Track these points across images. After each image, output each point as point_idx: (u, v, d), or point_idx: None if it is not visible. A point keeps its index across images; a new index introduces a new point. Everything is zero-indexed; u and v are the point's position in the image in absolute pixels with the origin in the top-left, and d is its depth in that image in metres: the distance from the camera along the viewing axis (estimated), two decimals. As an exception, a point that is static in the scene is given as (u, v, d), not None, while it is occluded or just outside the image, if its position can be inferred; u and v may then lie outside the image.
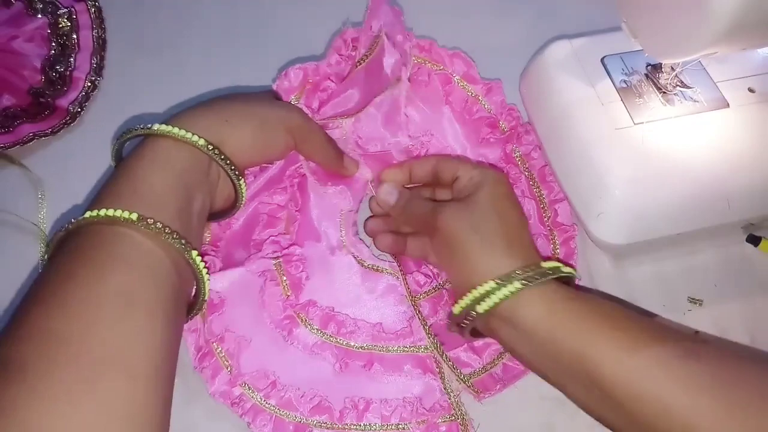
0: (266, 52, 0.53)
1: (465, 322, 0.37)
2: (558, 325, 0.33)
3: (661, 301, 0.44)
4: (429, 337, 0.40)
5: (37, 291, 0.30)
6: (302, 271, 0.42)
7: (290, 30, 0.55)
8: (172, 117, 0.37)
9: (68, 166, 0.48)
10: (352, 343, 0.41)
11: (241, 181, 0.38)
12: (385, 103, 0.44)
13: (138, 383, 0.28)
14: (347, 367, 0.40)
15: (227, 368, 0.39)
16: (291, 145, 0.41)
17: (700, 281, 0.45)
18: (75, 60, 0.50)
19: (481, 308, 0.35)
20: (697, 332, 0.42)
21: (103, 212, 0.31)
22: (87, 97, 0.50)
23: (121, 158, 0.38)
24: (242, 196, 0.39)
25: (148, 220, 0.31)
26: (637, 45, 0.41)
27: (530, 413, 0.40)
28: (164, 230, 0.32)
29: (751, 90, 0.44)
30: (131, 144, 0.37)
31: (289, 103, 0.45)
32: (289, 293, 0.41)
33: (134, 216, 0.31)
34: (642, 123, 0.43)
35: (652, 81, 0.45)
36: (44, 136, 0.47)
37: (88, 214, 0.32)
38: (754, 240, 0.45)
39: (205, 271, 0.35)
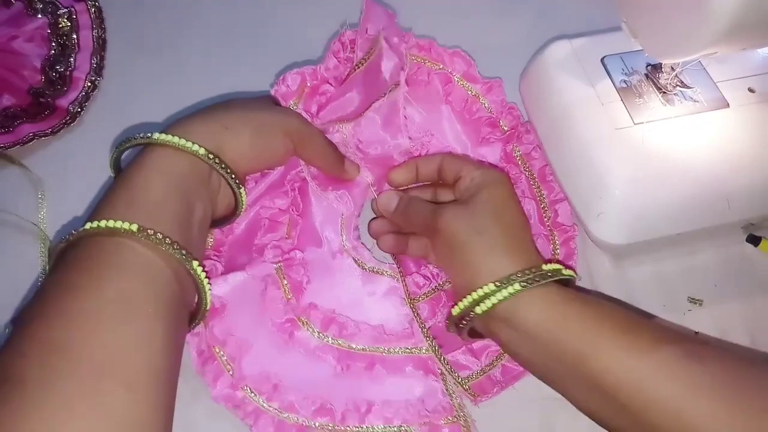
0: (266, 52, 0.53)
1: (463, 323, 0.37)
2: (559, 327, 0.33)
3: (661, 301, 0.44)
4: (427, 339, 0.40)
5: (37, 302, 0.30)
6: (303, 275, 0.42)
7: (290, 30, 0.55)
8: (170, 125, 0.37)
9: (68, 166, 0.48)
10: (354, 345, 0.41)
11: (242, 190, 0.38)
12: (384, 106, 0.44)
13: (138, 392, 0.28)
14: (349, 369, 0.40)
15: (229, 372, 0.39)
16: (291, 150, 0.41)
17: (700, 281, 0.45)
18: (75, 60, 0.51)
19: (479, 309, 0.35)
20: (696, 333, 0.42)
21: (103, 223, 0.31)
22: (87, 97, 0.50)
23: (119, 167, 0.38)
24: (242, 204, 0.39)
25: (148, 230, 0.31)
26: (637, 45, 0.41)
27: (530, 414, 0.40)
28: (164, 241, 0.32)
29: (751, 90, 0.44)
30: (131, 153, 0.37)
31: (288, 108, 0.45)
32: (290, 296, 0.41)
33: (134, 227, 0.31)
34: (642, 123, 0.43)
35: (652, 81, 0.45)
36: (44, 136, 0.47)
37: (88, 225, 0.31)
38: (754, 240, 0.45)
39: (206, 281, 0.34)
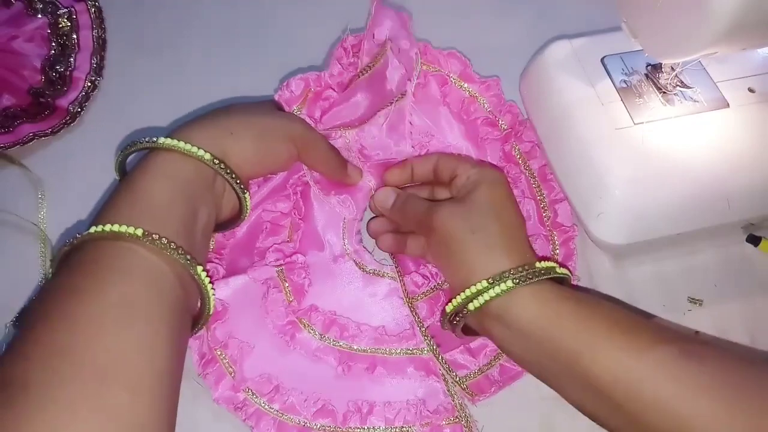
0: (266, 52, 0.53)
1: (456, 320, 0.37)
2: (552, 325, 0.33)
3: (661, 301, 0.44)
4: (425, 339, 0.40)
5: (41, 305, 0.30)
6: (305, 278, 0.42)
7: (290, 30, 0.55)
8: (174, 130, 0.37)
9: (68, 166, 0.48)
10: (355, 347, 0.41)
11: (246, 195, 0.38)
12: (391, 114, 0.44)
13: (141, 396, 0.28)
14: (350, 370, 0.40)
15: (230, 374, 0.39)
16: (294, 156, 0.41)
17: (700, 281, 0.45)
18: (75, 60, 0.51)
19: (472, 306, 0.35)
20: (697, 333, 0.42)
21: (107, 228, 0.31)
22: (87, 97, 0.50)
23: (124, 171, 0.38)
24: (246, 209, 0.39)
25: (153, 235, 0.31)
26: (637, 45, 0.41)
27: (530, 413, 0.40)
28: (169, 246, 0.31)
29: (751, 90, 0.44)
30: (134, 156, 0.37)
31: (291, 113, 0.45)
32: (291, 299, 0.41)
33: (139, 231, 0.31)
34: (642, 123, 0.43)
35: (652, 81, 0.45)
36: (44, 136, 0.47)
37: (93, 229, 0.31)
38: (754, 240, 0.45)
39: (210, 286, 0.34)
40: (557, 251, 0.44)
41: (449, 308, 0.37)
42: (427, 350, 0.41)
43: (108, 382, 0.27)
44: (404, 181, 0.45)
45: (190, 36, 0.55)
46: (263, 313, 0.41)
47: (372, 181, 0.45)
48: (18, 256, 0.44)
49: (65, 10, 0.51)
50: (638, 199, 0.41)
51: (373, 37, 0.45)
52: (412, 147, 0.45)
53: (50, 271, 0.33)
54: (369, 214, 0.46)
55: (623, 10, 0.41)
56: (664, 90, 0.44)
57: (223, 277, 0.40)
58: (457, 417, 0.39)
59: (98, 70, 0.51)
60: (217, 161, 0.35)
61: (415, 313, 0.41)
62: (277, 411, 0.38)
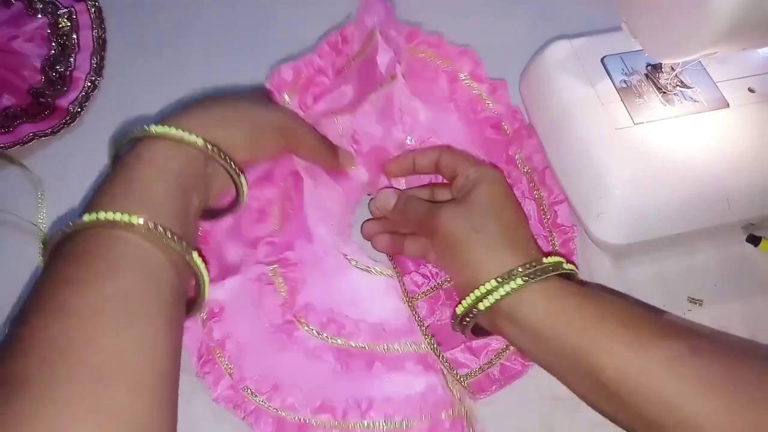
0: (266, 52, 0.53)
1: (466, 321, 0.37)
2: (560, 322, 0.33)
3: (661, 301, 0.43)
4: (426, 338, 0.40)
5: (37, 299, 0.29)
6: (299, 275, 0.42)
7: (290, 30, 0.55)
8: (165, 117, 0.36)
9: (68, 166, 0.48)
10: (353, 344, 0.41)
11: (242, 179, 0.38)
12: (380, 99, 0.43)
13: (142, 395, 0.28)
14: (348, 367, 0.40)
15: (229, 374, 0.39)
16: (283, 147, 0.41)
17: (700, 281, 0.45)
18: (75, 60, 0.51)
19: (482, 306, 0.35)
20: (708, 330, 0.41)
21: (102, 215, 0.30)
22: (87, 97, 0.50)
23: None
24: (243, 194, 0.39)
25: (149, 223, 0.31)
26: (637, 45, 0.41)
27: (530, 413, 0.40)
28: (165, 234, 0.31)
29: (751, 90, 0.44)
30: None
31: (280, 105, 0.44)
32: (286, 297, 0.41)
33: (135, 220, 0.30)
34: (642, 123, 0.43)
35: (652, 81, 0.45)
36: (44, 136, 0.47)
37: (86, 217, 0.31)
38: (754, 240, 0.45)
39: (206, 272, 0.34)
40: (557, 251, 0.44)
41: (459, 310, 0.37)
42: (427, 347, 0.41)
43: (107, 382, 0.27)
44: (405, 172, 0.44)
45: (190, 36, 0.55)
46: (259, 312, 0.41)
47: (365, 176, 0.45)
48: (18, 256, 0.44)
49: (65, 10, 0.51)
50: (638, 199, 0.41)
51: (363, 25, 0.45)
52: (405, 134, 0.45)
53: (42, 260, 0.33)
54: (362, 210, 0.46)
55: (623, 10, 0.41)
56: (664, 90, 0.44)
57: (218, 275, 0.40)
58: (456, 410, 0.39)
59: (98, 70, 0.51)
60: (210, 146, 0.35)
61: (416, 313, 0.41)
62: (276, 409, 0.38)
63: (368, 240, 0.44)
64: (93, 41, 0.51)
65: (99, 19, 0.52)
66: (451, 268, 0.39)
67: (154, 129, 0.35)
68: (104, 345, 0.28)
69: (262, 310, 0.41)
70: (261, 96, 0.44)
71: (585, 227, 0.43)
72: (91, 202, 0.32)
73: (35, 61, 0.50)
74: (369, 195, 0.46)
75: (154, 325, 0.30)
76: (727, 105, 0.44)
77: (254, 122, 0.39)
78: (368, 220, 0.45)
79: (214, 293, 0.39)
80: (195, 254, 0.33)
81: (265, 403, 0.38)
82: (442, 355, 0.40)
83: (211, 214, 0.40)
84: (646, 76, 0.45)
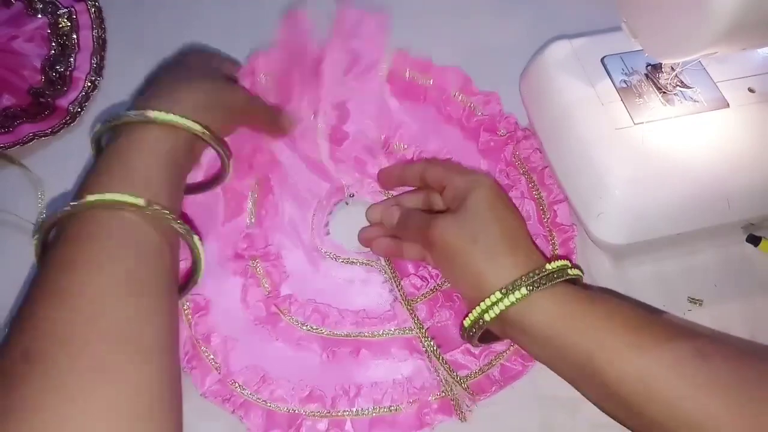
0: (266, 52, 0.53)
1: (473, 331, 0.37)
2: (568, 328, 0.33)
3: (661, 301, 0.43)
4: (426, 341, 0.41)
5: (46, 280, 0.30)
6: (281, 268, 0.43)
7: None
8: (149, 100, 0.37)
9: (68, 166, 0.48)
10: (338, 332, 0.41)
11: (230, 160, 0.40)
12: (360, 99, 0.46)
13: (152, 365, 0.29)
14: (335, 355, 0.41)
15: (216, 368, 0.39)
16: (237, 124, 0.42)
17: (700, 281, 0.45)
18: (75, 60, 0.51)
19: (487, 317, 0.35)
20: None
21: (108, 196, 0.31)
22: (87, 97, 0.50)
23: (99, 145, 0.38)
24: (228, 168, 0.40)
25: (154, 205, 0.32)
26: (637, 45, 0.41)
27: (530, 413, 0.40)
28: (168, 215, 0.32)
29: (751, 90, 0.44)
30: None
31: (232, 83, 0.44)
32: (269, 290, 0.42)
33: (140, 201, 0.31)
34: (642, 123, 0.43)
35: (652, 81, 0.45)
36: (44, 136, 0.47)
37: (90, 198, 0.31)
38: (754, 240, 0.45)
39: (203, 253, 0.36)
40: (557, 251, 0.44)
41: (467, 323, 0.37)
42: (411, 331, 0.41)
43: (122, 353, 0.28)
44: (395, 183, 0.45)
45: (190, 36, 0.55)
46: (243, 306, 0.42)
47: (346, 178, 0.46)
48: (18, 256, 0.44)
49: (65, 10, 0.51)
50: (638, 199, 0.41)
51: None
52: (382, 133, 0.47)
53: (36, 237, 0.33)
54: (339, 210, 0.47)
55: (623, 10, 0.41)
56: (664, 90, 0.44)
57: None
58: (443, 391, 0.39)
59: (98, 70, 0.51)
60: (206, 132, 0.36)
61: (415, 316, 0.41)
62: (266, 401, 0.39)
63: (367, 246, 0.44)
64: (93, 41, 0.51)
65: (99, 19, 0.52)
66: (454, 279, 0.39)
67: (155, 115, 0.35)
68: (117, 320, 0.29)
69: (246, 303, 0.42)
70: (214, 70, 0.44)
71: (585, 227, 0.43)
72: (87, 184, 0.33)
73: (35, 61, 0.50)
74: (351, 196, 0.47)
75: (157, 304, 0.31)
76: (727, 105, 0.44)
77: (226, 105, 0.40)
78: (365, 227, 0.45)
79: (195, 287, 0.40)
80: (196, 238, 0.34)
81: (253, 396, 0.39)
82: (442, 357, 0.40)
83: (195, 188, 0.41)
84: (646, 76, 0.45)
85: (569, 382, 0.35)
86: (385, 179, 0.46)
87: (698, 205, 0.41)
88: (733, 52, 0.41)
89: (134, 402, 0.27)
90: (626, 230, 0.41)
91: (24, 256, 0.44)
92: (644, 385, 0.31)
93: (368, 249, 0.44)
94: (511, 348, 0.41)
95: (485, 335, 0.38)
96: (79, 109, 0.49)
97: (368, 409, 0.39)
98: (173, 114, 0.35)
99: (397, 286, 0.42)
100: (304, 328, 0.41)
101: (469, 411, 0.39)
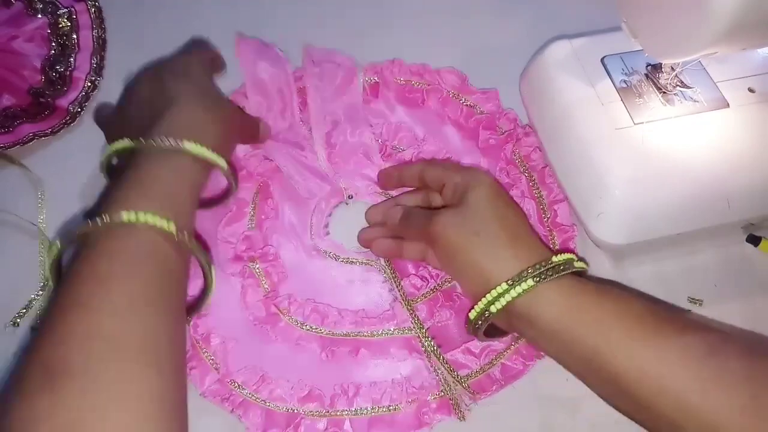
0: (266, 52, 0.53)
1: (479, 323, 0.37)
2: (576, 322, 0.33)
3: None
4: (426, 341, 0.41)
5: (73, 292, 0.31)
6: (280, 269, 0.43)
7: (290, 30, 0.55)
8: (165, 126, 0.37)
9: (68, 166, 0.48)
10: (337, 332, 0.41)
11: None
12: (346, 111, 0.47)
13: (166, 376, 0.30)
14: (334, 355, 0.41)
15: (215, 368, 0.39)
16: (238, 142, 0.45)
17: (700, 281, 0.45)
18: (75, 60, 0.51)
19: (494, 309, 0.35)
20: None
21: (142, 218, 0.32)
22: (87, 97, 0.50)
23: (111, 167, 0.40)
24: (235, 188, 0.42)
25: (183, 233, 0.33)
26: (637, 45, 0.41)
27: (530, 413, 0.40)
28: (193, 245, 0.34)
29: (751, 90, 0.44)
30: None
31: (225, 101, 0.45)
32: (268, 290, 0.42)
33: (172, 228, 0.33)
34: (642, 123, 0.43)
35: (652, 81, 0.45)
36: (44, 136, 0.47)
37: (125, 216, 0.32)
38: (754, 240, 0.45)
39: (215, 279, 0.37)
40: (558, 250, 0.44)
41: (473, 315, 0.37)
42: (410, 331, 0.41)
43: (141, 364, 0.29)
44: (394, 184, 0.46)
45: (190, 36, 0.55)
46: (242, 306, 0.42)
47: (343, 183, 0.46)
48: (18, 256, 0.44)
49: (65, 10, 0.51)
50: (638, 199, 0.41)
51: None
52: (371, 126, 0.48)
53: (58, 246, 0.34)
54: (339, 209, 0.47)
55: (623, 10, 0.41)
56: (664, 90, 0.44)
57: None
58: (442, 391, 0.39)
59: (98, 70, 0.51)
60: (227, 167, 0.39)
61: (415, 316, 0.41)
62: (264, 400, 0.39)
63: (367, 247, 0.44)
64: (93, 41, 0.51)
65: (99, 19, 0.52)
66: (459, 274, 0.39)
67: (190, 147, 0.36)
68: (139, 331, 0.30)
69: (246, 304, 0.42)
70: (207, 78, 0.44)
71: (585, 227, 0.43)
72: (118, 198, 0.33)
73: (35, 61, 0.50)
74: (350, 197, 0.47)
75: (175, 317, 0.33)
76: (727, 105, 0.44)
77: (234, 128, 0.43)
78: (365, 228, 0.45)
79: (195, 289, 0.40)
80: (213, 268, 0.37)
81: (252, 395, 0.39)
82: (443, 357, 0.40)
83: (201, 204, 0.42)
84: (646, 76, 0.45)
85: (577, 377, 0.35)
86: (384, 180, 0.46)
87: (698, 205, 0.41)
88: (733, 52, 0.41)
89: (146, 407, 0.28)
90: (626, 230, 0.41)
91: (24, 256, 0.44)
92: (651, 379, 0.31)
93: (366, 249, 0.44)
94: (512, 347, 0.41)
95: (491, 330, 0.38)
96: (79, 109, 0.49)
97: (367, 409, 0.39)
98: (206, 149, 0.37)
99: (397, 286, 0.42)
100: (304, 327, 0.41)
101: (468, 410, 0.39)
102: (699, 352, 0.31)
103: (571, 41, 0.47)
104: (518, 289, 0.34)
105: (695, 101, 0.44)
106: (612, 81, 0.45)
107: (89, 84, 0.50)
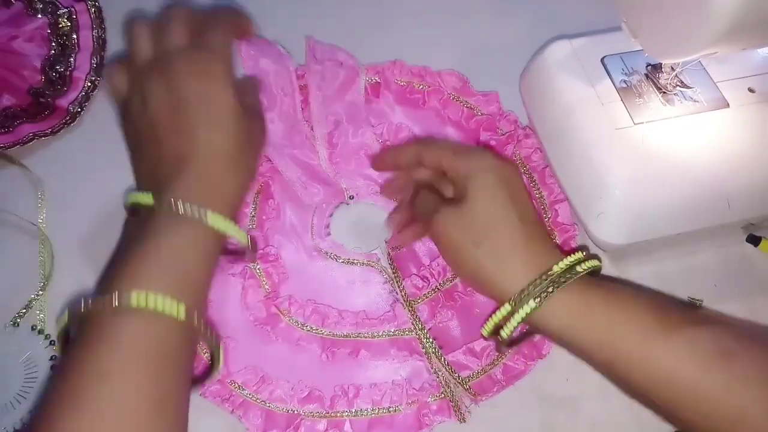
0: (266, 52, 0.53)
1: (493, 341, 0.36)
2: (583, 335, 0.33)
3: (661, 301, 0.43)
4: (427, 342, 0.41)
5: (70, 386, 0.28)
6: (280, 269, 0.43)
7: (290, 30, 0.55)
8: (185, 180, 0.33)
9: (68, 166, 0.48)
10: (337, 333, 0.41)
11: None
12: (348, 110, 0.46)
13: None
14: (334, 356, 0.41)
15: None
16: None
17: (700, 281, 0.45)
18: (75, 60, 0.50)
19: (504, 334, 0.35)
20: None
21: (151, 303, 0.29)
22: (87, 97, 0.50)
23: (135, 210, 0.35)
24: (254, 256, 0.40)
25: (194, 316, 0.30)
26: (637, 45, 0.41)
27: (530, 413, 0.40)
28: (205, 333, 0.31)
29: (751, 90, 0.44)
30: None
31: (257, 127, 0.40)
32: (269, 291, 0.42)
33: (182, 314, 0.30)
34: (642, 123, 0.43)
35: (652, 81, 0.45)
36: (44, 136, 0.47)
37: (134, 300, 0.29)
38: (754, 240, 0.45)
39: (222, 357, 0.35)
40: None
41: (485, 332, 0.36)
42: (411, 332, 0.41)
43: None
44: (388, 167, 0.44)
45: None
46: (243, 306, 0.42)
47: (344, 183, 0.46)
48: (18, 256, 0.44)
49: (65, 10, 0.51)
50: (638, 199, 0.41)
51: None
52: (372, 127, 0.47)
53: (65, 320, 0.31)
54: (340, 210, 0.47)
55: (623, 10, 0.41)
56: (664, 90, 0.44)
57: None
58: (442, 393, 0.39)
59: (98, 70, 0.51)
60: (250, 241, 0.36)
61: (416, 317, 0.41)
62: (264, 401, 0.39)
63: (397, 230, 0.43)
64: (93, 41, 0.51)
65: (99, 19, 0.52)
66: (459, 273, 0.39)
67: (213, 222, 0.33)
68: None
69: (246, 304, 0.42)
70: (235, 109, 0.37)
71: (585, 227, 0.43)
72: (129, 273, 0.31)
73: (35, 61, 0.50)
74: (351, 198, 0.47)
75: (176, 411, 0.30)
76: (727, 105, 0.44)
77: (254, 165, 0.39)
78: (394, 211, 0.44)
79: None
80: (221, 350, 0.34)
81: (253, 396, 0.39)
82: (444, 358, 0.40)
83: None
84: (646, 76, 0.45)
85: (603, 375, 0.35)
86: (377, 163, 0.44)
87: (698, 205, 0.41)
88: (733, 52, 0.41)
89: None
90: (626, 230, 0.41)
91: (24, 256, 0.44)
92: (673, 385, 0.31)
93: (368, 250, 0.44)
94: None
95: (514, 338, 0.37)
96: (79, 109, 0.49)
97: (367, 410, 0.39)
98: (230, 223, 0.33)
99: (398, 287, 0.42)
100: (304, 328, 0.41)
101: (468, 412, 0.39)
102: (716, 355, 0.31)
103: (571, 41, 0.47)
104: (521, 313, 0.33)
105: (695, 101, 0.44)
106: (612, 81, 0.45)
107: (89, 84, 0.50)
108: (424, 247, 0.45)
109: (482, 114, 0.49)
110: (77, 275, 0.43)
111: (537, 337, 0.41)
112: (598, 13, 0.50)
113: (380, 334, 0.41)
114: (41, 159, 0.48)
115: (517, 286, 0.34)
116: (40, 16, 0.51)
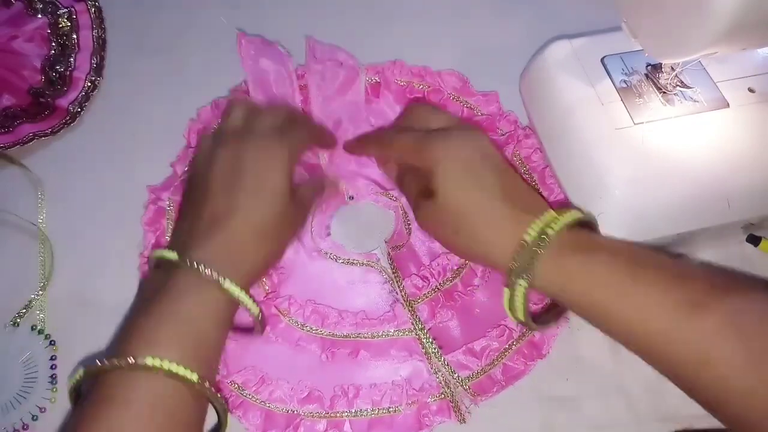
0: (266, 52, 0.53)
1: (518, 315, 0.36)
2: (581, 302, 0.33)
3: (661, 301, 0.43)
4: (427, 342, 0.41)
5: None
6: (279, 270, 0.43)
7: (291, 30, 0.55)
8: (213, 240, 0.33)
9: (68, 166, 0.48)
10: (337, 333, 0.41)
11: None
12: (348, 110, 0.46)
13: None
14: (334, 356, 0.41)
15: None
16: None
17: (700, 281, 0.45)
18: (75, 60, 0.51)
19: (519, 316, 0.35)
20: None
21: (166, 365, 0.29)
22: (87, 97, 0.50)
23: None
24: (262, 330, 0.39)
25: (205, 383, 0.31)
26: (637, 45, 0.41)
27: (530, 413, 0.40)
28: (214, 396, 0.31)
29: (751, 90, 0.44)
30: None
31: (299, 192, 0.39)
32: (269, 291, 0.42)
33: (194, 377, 0.30)
34: (642, 123, 0.43)
35: (652, 81, 0.45)
36: (44, 136, 0.47)
37: (149, 361, 0.29)
38: (754, 240, 0.45)
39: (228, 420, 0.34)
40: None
41: (513, 318, 0.36)
42: (411, 333, 0.41)
43: None
44: (364, 152, 0.44)
45: (190, 36, 0.55)
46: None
47: (344, 185, 0.46)
48: (18, 256, 0.44)
49: (65, 10, 0.51)
50: (638, 199, 0.41)
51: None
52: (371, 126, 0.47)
53: (79, 376, 0.31)
54: (340, 210, 0.47)
55: (623, 10, 0.41)
56: (664, 90, 0.44)
57: None
58: (442, 393, 0.39)
59: (98, 70, 0.51)
60: (261, 323, 0.36)
61: (416, 317, 0.41)
62: (264, 401, 0.39)
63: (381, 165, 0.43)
64: (93, 41, 0.51)
65: (99, 19, 0.52)
66: (459, 256, 0.40)
67: (234, 292, 0.33)
68: None
69: None
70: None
71: (585, 227, 0.43)
72: (143, 334, 0.31)
73: (35, 61, 0.50)
74: (350, 198, 0.47)
75: None
76: (727, 105, 0.44)
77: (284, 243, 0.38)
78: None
79: None
80: (229, 416, 0.33)
81: (252, 396, 0.39)
82: (444, 358, 0.40)
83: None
84: (646, 76, 0.45)
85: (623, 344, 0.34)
86: (350, 147, 0.44)
87: (698, 205, 0.41)
88: (733, 52, 0.41)
89: None
90: (626, 230, 0.41)
91: (24, 256, 0.44)
92: (695, 355, 0.30)
93: (368, 250, 0.44)
94: (514, 347, 0.41)
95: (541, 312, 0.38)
96: (79, 109, 0.49)
97: (367, 410, 0.39)
98: (245, 295, 0.33)
99: (398, 287, 0.42)
100: (304, 329, 0.41)
101: (468, 413, 0.39)
102: (732, 317, 0.30)
103: (571, 41, 0.47)
104: (519, 293, 0.34)
105: (695, 101, 0.44)
106: (612, 81, 0.45)
107: (89, 84, 0.50)
108: (424, 247, 0.45)
109: (482, 114, 0.49)
110: (77, 275, 0.43)
111: (538, 336, 0.41)
112: (598, 13, 0.50)
113: (380, 334, 0.41)
114: (41, 159, 0.48)
115: (507, 257, 0.34)
116: (40, 16, 0.51)
